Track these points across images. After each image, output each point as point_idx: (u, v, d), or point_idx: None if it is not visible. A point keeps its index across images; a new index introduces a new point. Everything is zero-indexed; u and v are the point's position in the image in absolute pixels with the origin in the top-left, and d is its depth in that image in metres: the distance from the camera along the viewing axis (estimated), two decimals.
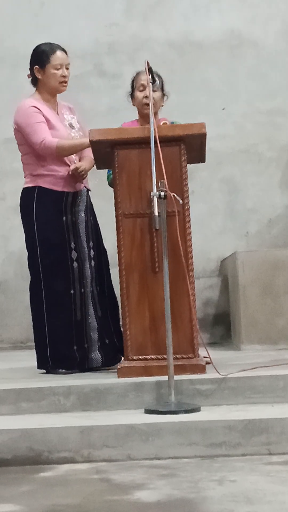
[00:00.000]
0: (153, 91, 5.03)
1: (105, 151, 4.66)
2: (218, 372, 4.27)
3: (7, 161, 7.44)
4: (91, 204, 5.25)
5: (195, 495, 3.19)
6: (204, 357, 4.55)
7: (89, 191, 5.25)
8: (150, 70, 4.50)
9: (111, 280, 5.21)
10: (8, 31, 7.63)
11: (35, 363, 5.14)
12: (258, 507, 3.01)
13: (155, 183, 4.19)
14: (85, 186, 5.19)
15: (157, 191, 4.17)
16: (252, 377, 4.29)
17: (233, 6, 7.59)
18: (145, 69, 4.48)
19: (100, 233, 5.25)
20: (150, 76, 4.52)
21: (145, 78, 4.95)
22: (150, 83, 4.52)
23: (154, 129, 4.33)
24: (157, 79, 5.09)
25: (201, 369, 4.45)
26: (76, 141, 5.05)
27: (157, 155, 4.25)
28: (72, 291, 5.06)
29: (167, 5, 7.63)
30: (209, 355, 4.41)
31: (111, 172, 5.05)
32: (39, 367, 5.11)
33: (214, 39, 7.58)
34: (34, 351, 5.15)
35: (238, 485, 3.31)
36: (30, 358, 5.30)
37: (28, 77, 5.19)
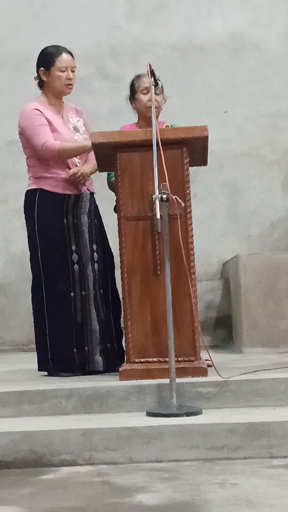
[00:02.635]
0: (156, 94, 5.02)
1: (107, 153, 4.66)
2: (219, 375, 4.26)
3: (9, 163, 7.46)
4: (96, 207, 5.22)
5: (197, 498, 3.19)
6: (206, 360, 4.55)
7: (94, 194, 5.22)
8: (152, 73, 4.50)
9: (115, 284, 5.19)
10: (10, 34, 7.64)
11: (37, 365, 5.13)
12: (259, 510, 3.00)
13: (157, 186, 4.19)
14: (88, 189, 5.18)
15: (159, 194, 4.17)
16: (253, 380, 4.29)
17: (235, 9, 7.60)
18: (148, 71, 4.47)
19: (106, 236, 5.23)
20: (153, 79, 4.51)
21: (149, 81, 4.94)
22: (153, 86, 4.52)
23: (156, 131, 4.33)
24: (159, 82, 5.10)
25: (202, 372, 4.44)
26: (79, 144, 5.05)
27: (159, 158, 4.25)
28: (72, 294, 5.05)
29: (170, 8, 7.64)
30: (210, 358, 4.41)
31: (111, 175, 5.04)
32: (39, 369, 5.10)
33: (216, 42, 7.59)
34: (36, 353, 5.15)
35: (239, 488, 3.30)
36: (32, 360, 5.29)
37: (35, 79, 5.19)
